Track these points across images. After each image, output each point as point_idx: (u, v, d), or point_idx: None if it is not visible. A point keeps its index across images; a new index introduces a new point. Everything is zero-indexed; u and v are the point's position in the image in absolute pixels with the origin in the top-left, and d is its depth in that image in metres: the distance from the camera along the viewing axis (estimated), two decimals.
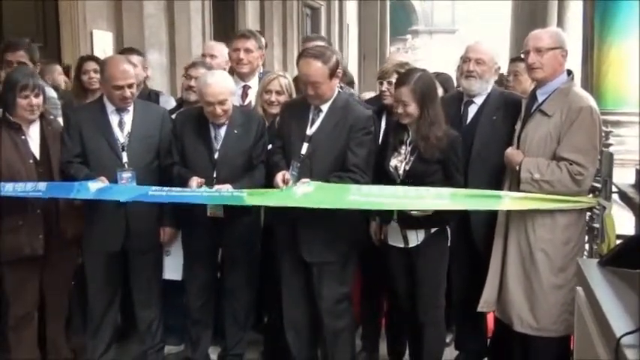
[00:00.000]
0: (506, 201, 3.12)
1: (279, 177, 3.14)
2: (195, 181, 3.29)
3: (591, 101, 3.12)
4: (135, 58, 4.25)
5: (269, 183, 3.28)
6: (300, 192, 3.06)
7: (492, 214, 3.30)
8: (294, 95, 3.69)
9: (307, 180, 3.10)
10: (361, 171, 3.19)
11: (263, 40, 4.70)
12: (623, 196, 3.79)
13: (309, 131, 3.26)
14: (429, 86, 3.16)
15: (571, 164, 3.03)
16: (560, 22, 9.69)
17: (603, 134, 3.31)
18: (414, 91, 3.10)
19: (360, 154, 3.21)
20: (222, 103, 3.36)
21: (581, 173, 3.03)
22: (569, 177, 3.03)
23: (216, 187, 3.32)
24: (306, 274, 3.34)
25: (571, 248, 3.12)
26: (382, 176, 3.23)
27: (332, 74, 3.19)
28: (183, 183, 3.33)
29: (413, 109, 3.13)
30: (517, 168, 3.11)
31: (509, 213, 3.22)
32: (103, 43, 5.73)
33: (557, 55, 3.14)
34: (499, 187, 3.32)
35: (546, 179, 3.05)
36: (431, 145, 3.11)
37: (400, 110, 3.15)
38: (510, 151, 3.20)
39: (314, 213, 3.13)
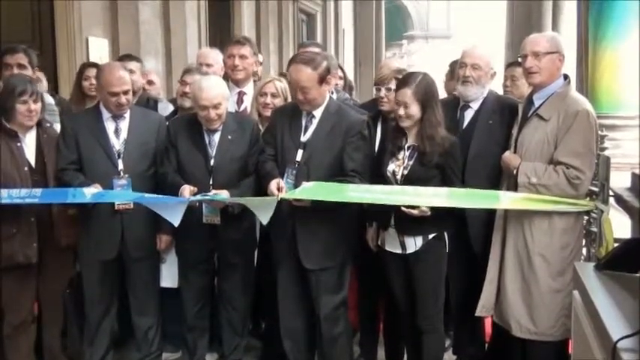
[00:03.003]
0: (504, 201, 3.12)
1: (273, 185, 3.12)
2: (187, 189, 3.26)
3: (588, 105, 3.13)
4: (133, 65, 4.25)
5: (263, 192, 3.25)
6: (299, 188, 3.06)
7: (490, 219, 3.30)
8: (290, 99, 3.70)
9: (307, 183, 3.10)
10: (360, 175, 3.19)
11: (260, 57, 4.74)
12: (619, 200, 3.80)
13: (304, 138, 3.26)
14: (431, 88, 3.16)
15: (568, 168, 3.03)
16: (555, 26, 9.70)
17: (599, 138, 3.32)
18: (417, 92, 3.10)
19: (357, 159, 3.21)
20: (216, 107, 3.36)
21: (578, 177, 3.03)
22: (566, 181, 3.03)
23: (213, 191, 3.32)
24: (303, 282, 3.33)
25: (569, 252, 3.12)
26: (380, 182, 3.21)
27: (322, 80, 3.19)
28: (177, 191, 3.31)
29: (415, 110, 3.11)
30: (514, 172, 3.11)
31: (506, 217, 3.22)
32: (99, 50, 5.72)
33: (555, 60, 3.14)
34: None
35: (543, 183, 3.05)
36: (436, 145, 3.09)
37: (401, 112, 3.13)
38: (507, 156, 3.20)
39: (313, 220, 3.14)
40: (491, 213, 3.29)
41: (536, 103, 3.20)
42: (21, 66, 3.85)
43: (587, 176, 3.08)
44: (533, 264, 3.12)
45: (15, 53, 3.89)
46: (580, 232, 3.23)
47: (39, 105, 3.38)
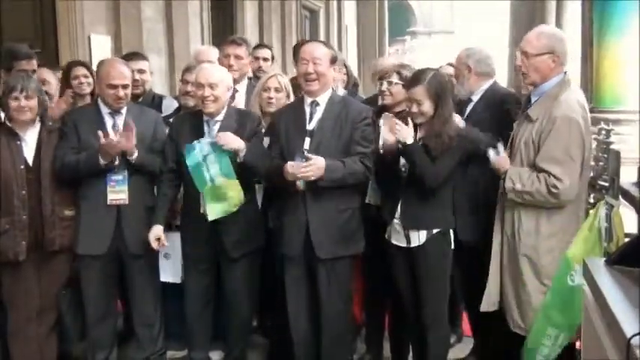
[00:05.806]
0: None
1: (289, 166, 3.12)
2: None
3: (574, 112, 2.94)
4: (144, 64, 4.24)
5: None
6: None
7: (475, 208, 3.32)
8: (292, 94, 3.70)
9: None
10: (368, 159, 3.21)
11: (269, 52, 4.79)
12: (626, 195, 3.77)
13: (310, 126, 3.26)
14: (443, 85, 3.15)
15: (549, 176, 2.93)
16: (559, 22, 9.67)
17: (604, 132, 3.26)
18: (429, 89, 3.10)
19: (365, 145, 3.23)
20: (212, 86, 3.36)
21: (556, 186, 2.91)
22: (546, 189, 2.94)
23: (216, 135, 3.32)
24: (312, 275, 3.32)
25: (557, 254, 3.02)
26: (388, 174, 3.23)
27: (332, 61, 3.28)
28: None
29: (427, 107, 3.12)
30: (502, 177, 3.06)
31: (504, 217, 3.17)
32: (101, 48, 5.71)
33: (546, 61, 3.00)
34: (491, 190, 3.26)
35: (527, 190, 2.97)
36: (442, 142, 3.09)
37: (415, 109, 3.14)
38: (496, 159, 3.08)
39: (326, 207, 3.19)
40: (476, 202, 3.31)
41: (532, 101, 3.11)
42: (35, 72, 3.86)
43: (566, 185, 2.92)
44: (519, 264, 3.07)
45: (31, 60, 3.93)
46: (571, 235, 3.05)
47: (33, 102, 3.33)
